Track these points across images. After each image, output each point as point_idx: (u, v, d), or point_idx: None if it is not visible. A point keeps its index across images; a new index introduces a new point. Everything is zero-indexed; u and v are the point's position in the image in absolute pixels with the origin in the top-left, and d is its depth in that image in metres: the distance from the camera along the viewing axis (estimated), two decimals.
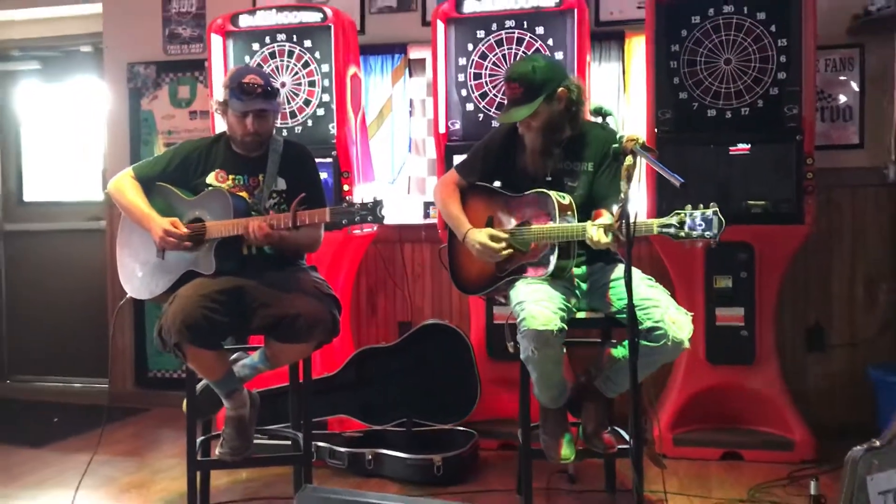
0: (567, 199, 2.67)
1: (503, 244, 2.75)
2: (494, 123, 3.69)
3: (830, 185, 3.87)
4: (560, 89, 2.72)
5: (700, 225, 2.32)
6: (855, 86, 3.96)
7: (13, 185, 5.50)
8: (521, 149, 2.85)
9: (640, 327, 2.47)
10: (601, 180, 2.76)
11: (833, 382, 3.98)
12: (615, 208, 2.52)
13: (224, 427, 2.80)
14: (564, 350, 2.58)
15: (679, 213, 2.36)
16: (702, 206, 2.34)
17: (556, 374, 2.64)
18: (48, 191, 5.44)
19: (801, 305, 4.01)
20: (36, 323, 5.39)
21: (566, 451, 2.69)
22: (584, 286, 2.80)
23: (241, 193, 2.87)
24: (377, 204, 2.57)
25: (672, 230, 2.36)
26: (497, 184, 2.90)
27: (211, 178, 2.89)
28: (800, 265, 3.90)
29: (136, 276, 2.94)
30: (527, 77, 2.69)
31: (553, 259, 2.62)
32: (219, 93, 2.94)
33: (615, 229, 2.39)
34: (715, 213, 2.31)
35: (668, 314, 2.50)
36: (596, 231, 2.45)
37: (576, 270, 2.76)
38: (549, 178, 2.79)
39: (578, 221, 2.61)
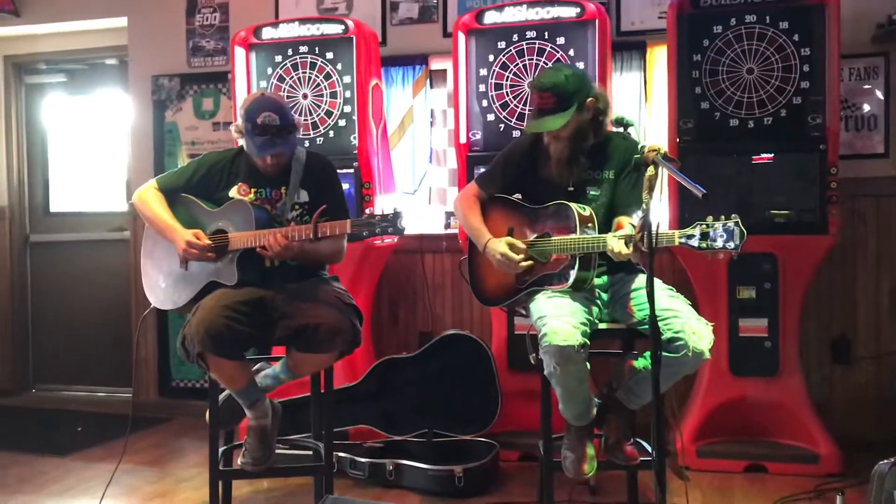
0: (588, 211, 2.66)
1: (523, 254, 2.74)
2: (515, 134, 3.70)
3: (855, 195, 3.84)
4: (588, 99, 2.72)
5: (721, 236, 2.31)
6: (880, 94, 3.92)
7: (39, 197, 5.57)
8: (543, 159, 2.85)
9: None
10: (622, 188, 2.75)
11: (859, 395, 3.93)
12: (636, 219, 2.52)
13: (246, 437, 2.82)
14: (589, 366, 2.57)
15: (700, 225, 2.35)
16: (723, 216, 2.33)
17: (581, 391, 2.61)
18: (74, 202, 5.52)
19: (826, 317, 3.96)
20: (61, 332, 5.45)
21: (588, 468, 2.65)
22: (604, 296, 2.79)
23: (263, 206, 2.89)
24: (397, 215, 2.57)
25: (694, 241, 2.35)
26: (517, 196, 2.90)
27: (233, 192, 2.90)
28: (824, 276, 3.86)
29: (160, 287, 2.97)
30: (559, 87, 2.68)
31: (573, 271, 2.61)
32: (238, 116, 2.93)
33: (636, 240, 2.38)
34: (736, 223, 2.30)
35: (688, 324, 2.47)
36: (617, 243, 2.44)
37: (596, 281, 2.74)
38: (572, 189, 2.78)
39: (599, 232, 2.60)
